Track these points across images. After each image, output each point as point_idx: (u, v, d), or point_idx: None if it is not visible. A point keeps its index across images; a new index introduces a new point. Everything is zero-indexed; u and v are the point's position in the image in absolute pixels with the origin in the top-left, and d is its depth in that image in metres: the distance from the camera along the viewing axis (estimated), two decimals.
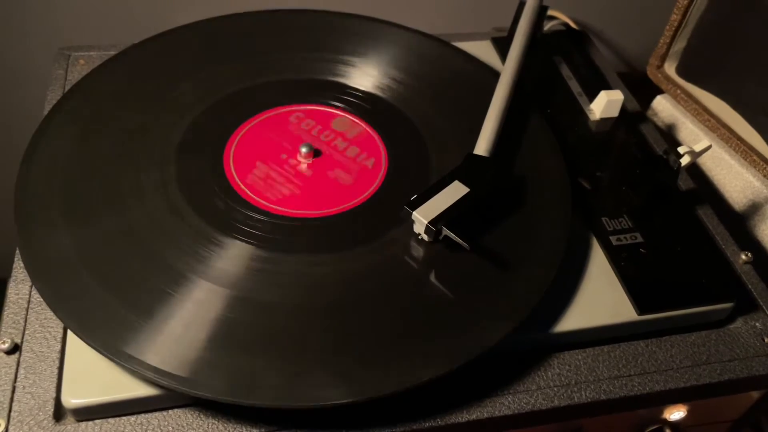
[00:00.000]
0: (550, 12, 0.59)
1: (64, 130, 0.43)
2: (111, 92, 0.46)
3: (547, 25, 0.61)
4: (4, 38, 0.64)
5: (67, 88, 0.49)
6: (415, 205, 0.39)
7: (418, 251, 0.40)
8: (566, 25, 0.63)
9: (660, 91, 0.60)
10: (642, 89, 0.60)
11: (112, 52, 0.51)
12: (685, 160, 0.44)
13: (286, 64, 0.50)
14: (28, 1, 0.62)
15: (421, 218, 0.38)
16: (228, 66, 0.49)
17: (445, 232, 0.38)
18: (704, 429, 0.46)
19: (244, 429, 0.35)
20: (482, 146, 0.43)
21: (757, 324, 0.42)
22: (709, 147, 0.45)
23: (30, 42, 0.65)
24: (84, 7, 0.64)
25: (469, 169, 0.41)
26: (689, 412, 0.43)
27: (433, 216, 0.38)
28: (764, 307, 0.43)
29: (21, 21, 0.64)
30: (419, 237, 0.40)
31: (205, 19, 0.52)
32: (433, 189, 0.40)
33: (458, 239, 0.37)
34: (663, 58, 0.58)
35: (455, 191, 0.40)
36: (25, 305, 0.38)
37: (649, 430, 0.44)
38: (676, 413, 0.43)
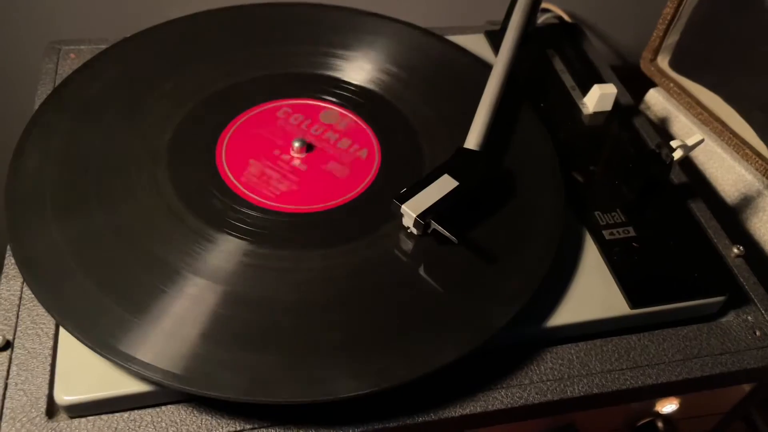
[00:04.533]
0: (543, 5, 0.59)
1: (55, 126, 0.43)
2: (102, 87, 0.46)
3: (541, 18, 0.61)
4: None
5: (58, 82, 0.49)
6: (404, 198, 0.39)
7: (408, 245, 0.40)
8: (560, 18, 0.62)
9: (653, 85, 0.60)
10: (635, 82, 0.60)
11: (103, 46, 0.50)
12: (677, 154, 0.44)
13: (276, 59, 0.49)
14: None
15: (409, 212, 0.38)
16: (218, 62, 0.49)
17: (434, 225, 0.38)
18: (696, 421, 0.46)
19: (237, 425, 0.35)
20: (472, 140, 0.43)
21: (748, 317, 0.42)
22: (702, 141, 0.45)
23: (20, 35, 0.65)
24: (75, 0, 0.63)
25: (458, 162, 0.41)
26: (681, 405, 0.43)
27: (422, 209, 0.38)
28: (756, 300, 0.43)
29: (11, 14, 0.63)
30: (408, 231, 0.40)
31: (197, 12, 0.52)
32: (422, 182, 0.40)
33: (447, 233, 0.37)
34: (656, 52, 0.58)
35: (444, 185, 0.40)
36: (17, 302, 0.38)
37: (641, 423, 0.44)
38: (668, 406, 0.43)
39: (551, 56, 0.56)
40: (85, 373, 0.35)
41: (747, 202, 0.53)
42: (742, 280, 0.44)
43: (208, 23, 0.51)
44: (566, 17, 0.63)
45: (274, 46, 0.50)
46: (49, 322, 0.37)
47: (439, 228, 0.38)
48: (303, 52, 0.50)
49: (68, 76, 0.46)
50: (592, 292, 0.40)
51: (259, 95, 0.47)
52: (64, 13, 0.64)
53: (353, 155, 0.44)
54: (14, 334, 0.37)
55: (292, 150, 0.44)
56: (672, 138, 0.55)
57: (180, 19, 0.51)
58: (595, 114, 0.51)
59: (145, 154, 0.42)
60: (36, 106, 0.46)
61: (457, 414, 0.36)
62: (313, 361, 0.34)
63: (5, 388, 0.35)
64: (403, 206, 0.39)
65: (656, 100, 0.59)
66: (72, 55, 0.52)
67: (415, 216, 0.38)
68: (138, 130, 0.44)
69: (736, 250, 0.45)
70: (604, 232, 0.43)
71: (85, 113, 0.44)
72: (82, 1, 0.63)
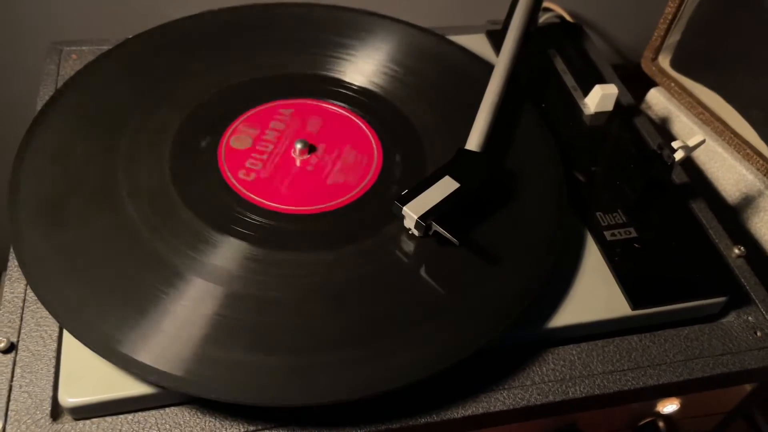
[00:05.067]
0: (545, 4, 0.59)
1: (57, 127, 0.43)
2: (104, 88, 0.46)
3: (542, 18, 0.61)
4: None
5: (60, 83, 0.49)
6: (406, 200, 0.39)
7: (410, 247, 0.40)
8: (561, 17, 0.62)
9: (654, 84, 0.60)
10: (636, 82, 0.60)
11: (105, 47, 0.51)
12: (678, 155, 0.45)
13: (277, 59, 0.50)
14: None
15: (411, 213, 0.38)
16: (219, 62, 0.49)
17: (435, 227, 0.38)
18: (697, 421, 0.46)
19: (241, 426, 0.35)
20: (474, 141, 0.43)
21: (749, 318, 0.42)
22: (703, 141, 0.45)
23: (22, 36, 0.65)
24: (77, 0, 0.63)
25: (460, 164, 0.41)
26: (682, 405, 0.43)
27: (424, 211, 0.38)
28: (757, 300, 0.43)
29: (12, 14, 0.63)
30: (410, 232, 0.40)
31: (198, 13, 0.52)
32: (423, 184, 0.40)
33: (448, 234, 0.38)
34: (657, 51, 0.58)
35: (446, 186, 0.40)
36: (21, 304, 0.38)
37: (642, 422, 0.44)
38: (669, 406, 0.43)
39: (552, 56, 0.55)
40: (89, 375, 0.35)
41: (748, 202, 0.53)
42: (743, 280, 0.44)
43: (209, 24, 0.51)
44: (567, 17, 0.63)
45: (276, 46, 0.50)
46: (52, 324, 0.37)
47: (441, 230, 0.38)
48: (304, 52, 0.50)
49: (70, 77, 0.46)
50: (594, 293, 0.40)
51: (260, 95, 0.47)
52: (65, 14, 0.64)
53: (355, 156, 0.44)
54: (18, 336, 0.37)
55: (294, 151, 0.44)
56: (673, 138, 0.55)
57: (180, 19, 0.51)
58: (597, 114, 0.51)
59: (146, 155, 0.42)
60: (38, 107, 0.46)
61: (459, 415, 0.37)
62: (316, 363, 0.34)
63: (9, 391, 0.35)
64: (404, 208, 0.39)
65: (657, 100, 0.59)
66: (74, 56, 0.52)
67: (416, 218, 0.38)
68: (139, 131, 0.44)
69: (737, 251, 0.45)
70: (605, 232, 0.43)
71: (87, 114, 0.44)
72: (83, 1, 0.63)
